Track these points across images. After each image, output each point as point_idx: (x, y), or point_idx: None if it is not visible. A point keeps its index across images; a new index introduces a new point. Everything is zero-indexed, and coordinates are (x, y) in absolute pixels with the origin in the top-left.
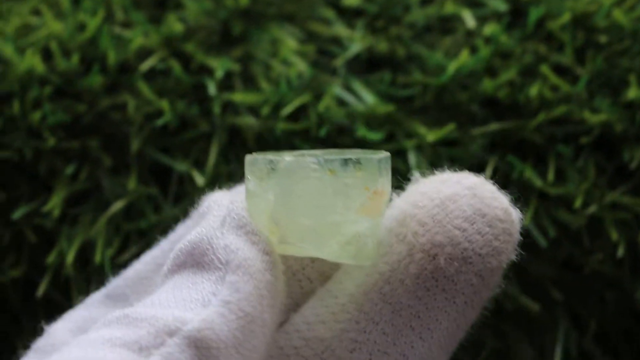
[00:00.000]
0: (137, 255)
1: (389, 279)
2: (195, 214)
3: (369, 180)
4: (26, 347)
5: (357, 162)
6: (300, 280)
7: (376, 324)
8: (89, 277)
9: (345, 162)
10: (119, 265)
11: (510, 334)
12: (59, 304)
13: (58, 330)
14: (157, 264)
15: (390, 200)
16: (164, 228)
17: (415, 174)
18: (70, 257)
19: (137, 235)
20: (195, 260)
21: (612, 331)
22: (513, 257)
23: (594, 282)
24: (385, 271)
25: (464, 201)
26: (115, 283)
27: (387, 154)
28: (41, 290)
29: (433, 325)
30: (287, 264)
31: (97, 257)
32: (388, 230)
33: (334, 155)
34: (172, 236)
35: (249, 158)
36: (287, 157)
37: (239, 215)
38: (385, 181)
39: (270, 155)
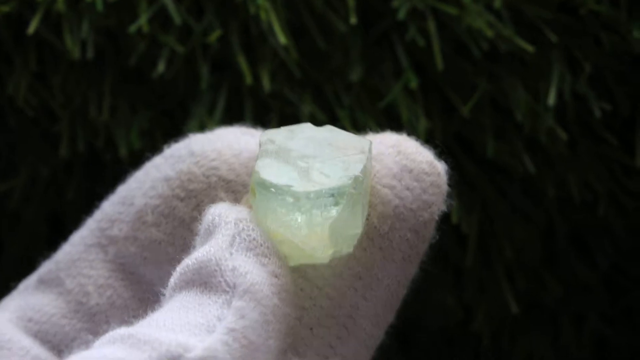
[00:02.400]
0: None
1: None
2: (200, 229)
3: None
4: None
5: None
6: None
7: (320, 289)
8: (80, 14)
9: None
10: (109, 4)
11: (504, 77)
12: (50, 43)
13: None
14: (86, 244)
15: None
16: None
17: None
18: None
19: None
20: (203, 280)
21: (606, 73)
22: (443, 207)
23: (590, 24)
24: None
25: (389, 159)
26: (47, 267)
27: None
28: (32, 27)
29: (375, 284)
30: None
31: None
32: None
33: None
34: (106, 205)
35: (310, 194)
36: (356, 176)
37: (249, 237)
38: None
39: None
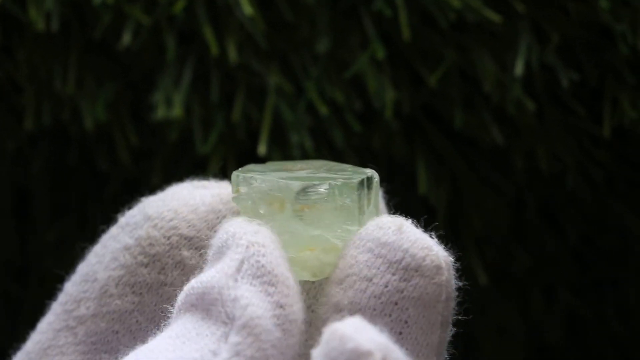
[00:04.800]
0: None
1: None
2: (213, 244)
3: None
4: None
5: (374, 184)
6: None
7: None
8: None
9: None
10: None
11: (471, 48)
12: (14, 15)
13: None
14: (54, 330)
15: None
16: None
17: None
18: None
19: None
20: (205, 307)
21: (575, 43)
22: (454, 288)
23: None
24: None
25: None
26: (19, 359)
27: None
28: None
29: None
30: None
31: None
32: None
33: (338, 173)
34: (69, 286)
35: (291, 189)
36: (352, 179)
37: (258, 263)
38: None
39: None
